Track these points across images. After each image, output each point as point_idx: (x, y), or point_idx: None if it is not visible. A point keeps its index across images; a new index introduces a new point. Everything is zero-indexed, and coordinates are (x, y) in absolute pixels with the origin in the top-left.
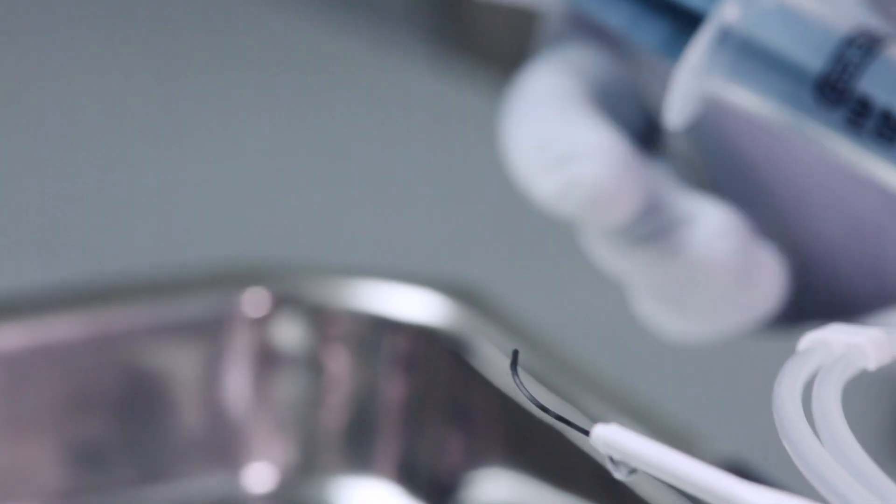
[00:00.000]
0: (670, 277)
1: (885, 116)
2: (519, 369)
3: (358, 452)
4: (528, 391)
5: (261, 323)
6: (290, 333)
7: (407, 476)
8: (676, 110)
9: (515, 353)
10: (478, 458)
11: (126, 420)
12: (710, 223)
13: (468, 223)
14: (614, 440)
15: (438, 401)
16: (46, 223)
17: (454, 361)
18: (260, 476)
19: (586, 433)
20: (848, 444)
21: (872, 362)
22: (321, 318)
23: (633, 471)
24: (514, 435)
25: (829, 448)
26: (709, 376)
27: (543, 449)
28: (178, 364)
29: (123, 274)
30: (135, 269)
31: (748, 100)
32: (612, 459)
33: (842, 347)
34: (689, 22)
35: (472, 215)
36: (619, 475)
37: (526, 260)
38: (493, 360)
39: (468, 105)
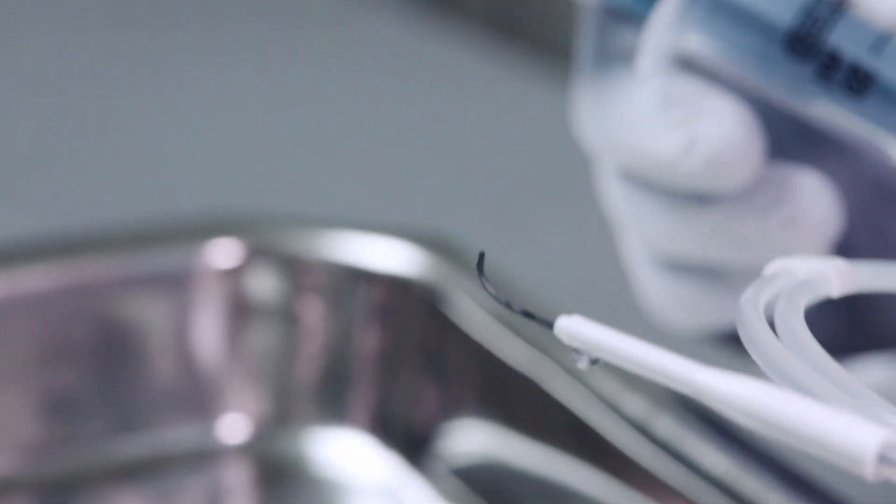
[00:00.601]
0: (736, 240)
1: (854, 69)
2: (485, 272)
3: (332, 403)
4: (493, 290)
5: (234, 274)
6: (263, 284)
7: (381, 427)
8: (649, 64)
9: (481, 256)
10: (452, 408)
11: (99, 371)
12: (808, 181)
13: (443, 174)
14: (577, 331)
15: (413, 351)
16: (18, 175)
17: (429, 312)
18: (234, 427)
19: (550, 326)
20: (810, 345)
21: (836, 290)
22: (295, 269)
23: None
24: (489, 385)
25: (793, 351)
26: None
27: (518, 399)
28: (152, 315)
29: (96, 225)
30: (108, 219)
31: (720, 53)
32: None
33: (806, 274)
34: None
35: (448, 166)
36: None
37: (501, 211)
38: (467, 311)
39: (444, 58)
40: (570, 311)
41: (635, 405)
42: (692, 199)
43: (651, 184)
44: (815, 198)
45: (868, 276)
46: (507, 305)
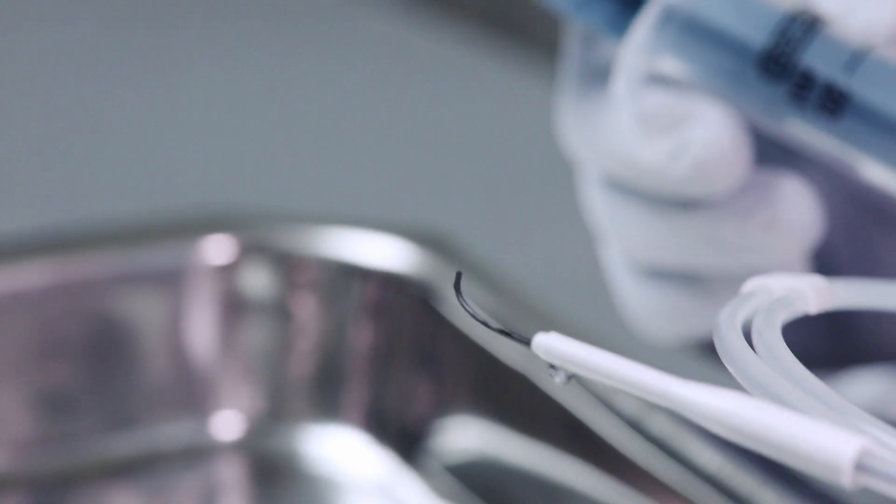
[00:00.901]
0: (718, 242)
1: (828, 89)
2: (463, 290)
3: (326, 400)
4: (472, 307)
5: (228, 270)
6: (257, 281)
7: (375, 423)
8: (623, 87)
9: (458, 275)
10: (446, 405)
11: (93, 368)
12: (790, 185)
13: (438, 171)
14: (554, 347)
15: (407, 348)
16: (12, 171)
17: (422, 309)
18: (227, 424)
19: (528, 343)
20: (787, 359)
21: (813, 307)
22: (288, 266)
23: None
24: (483, 382)
25: (769, 365)
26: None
27: (512, 396)
28: (145, 311)
29: (90, 221)
30: (102, 216)
31: (694, 74)
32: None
33: (783, 291)
34: (633, 1)
35: (442, 163)
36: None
37: (495, 208)
38: (461, 308)
39: (441, 55)
40: (566, 306)
41: (629, 402)
42: (676, 205)
43: (635, 191)
44: (796, 201)
45: (845, 294)
46: (485, 324)
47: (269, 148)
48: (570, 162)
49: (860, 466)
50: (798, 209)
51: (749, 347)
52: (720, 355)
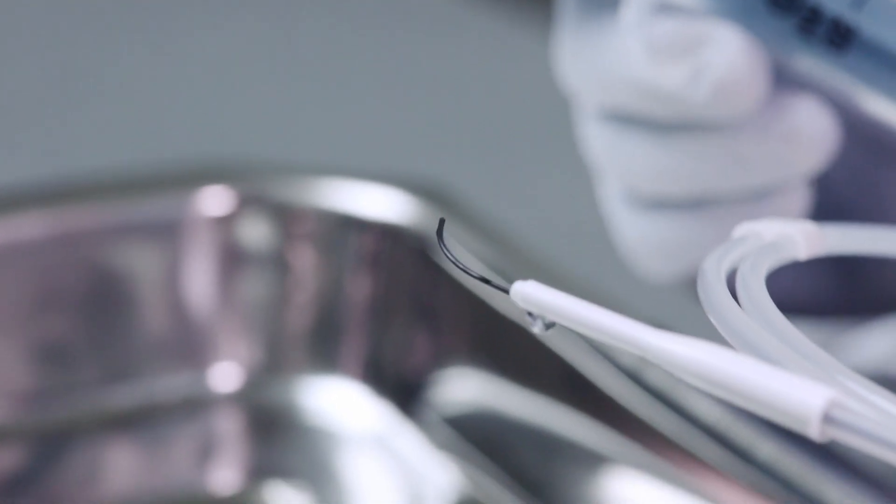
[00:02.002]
0: (732, 160)
1: (836, 23)
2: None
3: (324, 351)
4: (452, 254)
5: (226, 222)
6: (255, 232)
7: (373, 375)
8: (633, 15)
9: (441, 222)
10: (444, 356)
11: (91, 319)
12: (806, 100)
13: (435, 122)
14: (532, 295)
15: (405, 300)
16: (9, 123)
17: (420, 260)
18: (225, 375)
19: (506, 291)
20: (768, 308)
21: (803, 252)
22: (286, 217)
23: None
24: (481, 334)
25: (750, 314)
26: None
27: (510, 348)
28: (143, 263)
29: (87, 173)
30: (99, 167)
31: (703, 7)
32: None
33: (773, 237)
34: None
35: (439, 114)
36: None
37: (493, 159)
38: (460, 259)
39: (435, 5)
40: (563, 256)
41: (628, 354)
42: (691, 129)
43: (645, 119)
44: (813, 115)
45: (836, 239)
46: (465, 271)
47: (266, 99)
48: (568, 108)
49: (828, 418)
50: (816, 121)
51: (730, 295)
52: (702, 301)
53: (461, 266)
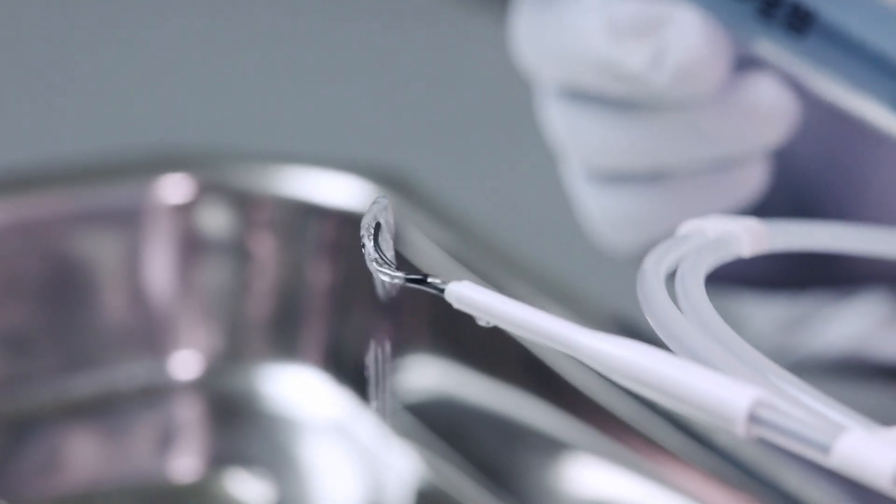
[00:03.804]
0: (696, 137)
1: (795, 8)
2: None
3: (284, 339)
4: (385, 257)
5: (186, 209)
6: (214, 220)
7: (333, 363)
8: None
9: (378, 226)
10: (405, 344)
11: (50, 308)
12: (766, 77)
13: (396, 110)
14: (465, 295)
15: (365, 287)
16: None
17: None
18: (185, 363)
19: (441, 291)
20: (703, 307)
21: (746, 249)
22: (246, 205)
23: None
24: (441, 321)
25: (686, 314)
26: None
27: (470, 335)
28: (103, 251)
29: (46, 160)
30: (58, 155)
31: None
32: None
33: (717, 234)
34: None
35: (400, 102)
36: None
37: (453, 146)
38: (420, 246)
39: None
40: (524, 244)
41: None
42: (649, 107)
43: (604, 97)
44: (772, 90)
45: (780, 236)
46: (396, 276)
47: (226, 86)
48: (529, 94)
49: (753, 417)
50: (775, 96)
51: (667, 295)
52: (640, 301)
53: (392, 273)
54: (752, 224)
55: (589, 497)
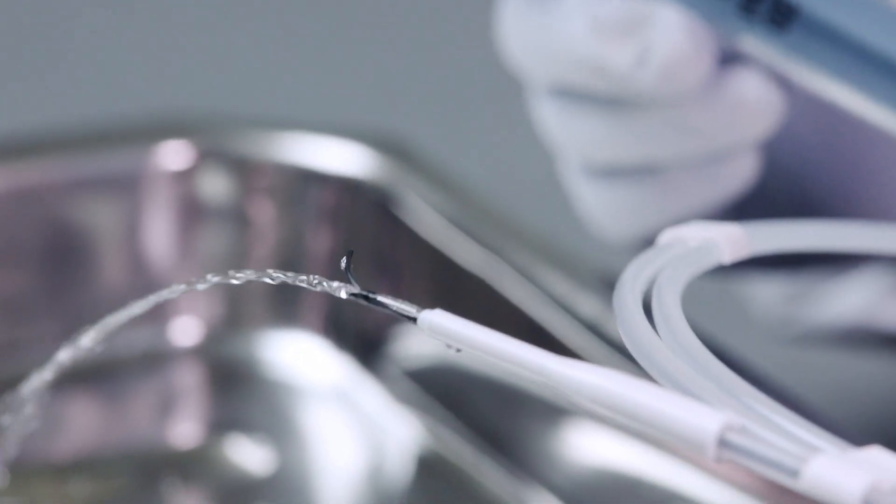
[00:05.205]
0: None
1: (777, 2)
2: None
3: (284, 306)
4: (356, 284)
5: (185, 176)
6: (214, 186)
7: (334, 329)
8: None
9: (349, 254)
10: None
11: (49, 275)
12: (752, 72)
13: (396, 76)
14: (437, 324)
15: (365, 253)
16: None
17: (381, 214)
18: (186, 330)
19: (414, 320)
20: (679, 329)
21: (727, 256)
22: (246, 171)
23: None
24: (442, 287)
25: (664, 336)
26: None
27: (471, 301)
28: (103, 217)
29: (45, 127)
30: (57, 121)
31: None
32: None
33: (697, 242)
34: None
35: (400, 68)
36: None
37: (454, 113)
38: (420, 213)
39: None
40: (523, 210)
41: (589, 306)
42: (637, 104)
43: (592, 94)
44: (758, 84)
45: (761, 239)
46: (367, 300)
47: (226, 52)
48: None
49: (723, 443)
50: (761, 90)
51: (642, 313)
52: (616, 318)
53: (363, 295)
54: (733, 230)
55: (589, 462)
